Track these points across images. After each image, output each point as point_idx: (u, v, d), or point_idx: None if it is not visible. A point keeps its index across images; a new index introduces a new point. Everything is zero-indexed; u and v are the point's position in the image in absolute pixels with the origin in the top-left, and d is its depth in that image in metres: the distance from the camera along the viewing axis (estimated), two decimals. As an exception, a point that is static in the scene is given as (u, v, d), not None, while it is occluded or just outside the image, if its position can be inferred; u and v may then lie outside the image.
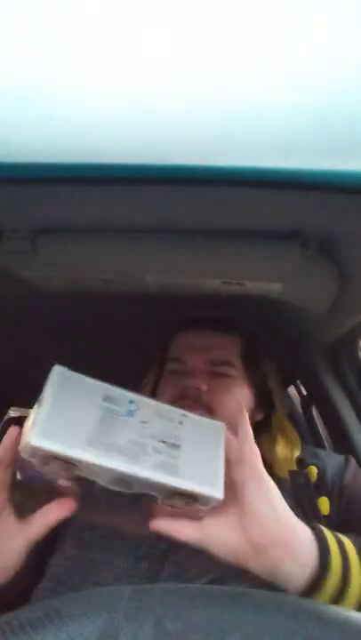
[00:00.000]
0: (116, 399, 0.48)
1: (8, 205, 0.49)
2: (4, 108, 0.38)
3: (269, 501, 0.45)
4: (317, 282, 0.60)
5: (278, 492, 0.46)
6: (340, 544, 0.46)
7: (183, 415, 0.51)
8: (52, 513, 0.47)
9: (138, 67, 0.38)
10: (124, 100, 0.38)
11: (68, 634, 0.24)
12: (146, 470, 0.44)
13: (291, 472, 0.64)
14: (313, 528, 0.46)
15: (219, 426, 0.51)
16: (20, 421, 0.46)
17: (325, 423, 1.14)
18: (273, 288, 0.62)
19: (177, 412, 0.51)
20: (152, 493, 0.45)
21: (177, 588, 0.33)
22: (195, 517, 0.46)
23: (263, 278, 0.60)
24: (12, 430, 0.47)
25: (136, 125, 0.38)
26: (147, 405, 0.49)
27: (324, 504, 0.62)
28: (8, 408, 1.76)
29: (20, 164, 0.39)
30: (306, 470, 0.64)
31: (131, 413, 0.48)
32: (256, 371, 0.73)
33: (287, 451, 0.68)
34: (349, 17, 0.38)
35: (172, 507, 0.46)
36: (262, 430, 0.73)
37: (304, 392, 1.25)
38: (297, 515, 0.59)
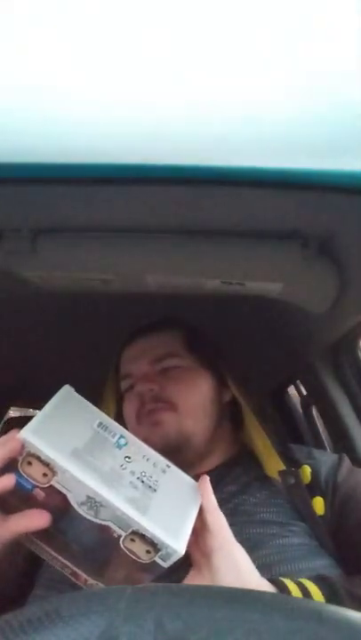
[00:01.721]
0: (109, 429, 0.51)
1: (8, 205, 0.49)
2: (5, 109, 0.38)
3: (235, 566, 0.47)
4: (317, 282, 0.60)
5: (244, 553, 0.48)
6: (306, 592, 0.47)
7: (168, 466, 0.52)
8: (25, 521, 0.47)
9: (138, 67, 0.38)
10: (123, 100, 0.38)
11: (68, 634, 0.24)
12: (118, 499, 0.45)
13: (280, 472, 0.64)
14: (276, 583, 0.48)
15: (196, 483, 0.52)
16: (20, 421, 0.47)
17: (325, 423, 1.15)
18: (273, 288, 0.62)
19: (163, 462, 0.52)
20: (115, 528, 0.45)
21: (177, 587, 0.33)
22: (151, 572, 0.46)
23: (263, 278, 0.60)
24: (14, 431, 0.47)
25: (136, 125, 0.38)
26: (136, 445, 0.52)
27: (318, 504, 0.62)
28: (8, 408, 1.76)
29: (20, 163, 0.39)
30: (297, 470, 0.64)
31: (119, 446, 0.51)
32: (207, 355, 0.73)
33: (263, 449, 0.68)
34: (349, 17, 0.38)
35: (130, 552, 0.45)
36: (235, 415, 0.73)
37: (304, 392, 1.25)
38: (292, 516, 0.60)
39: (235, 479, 0.65)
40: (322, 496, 0.62)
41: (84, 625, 0.24)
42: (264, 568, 0.49)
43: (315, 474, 0.64)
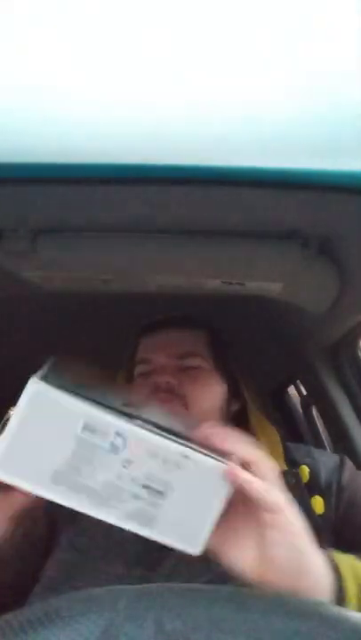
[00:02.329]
0: (99, 430, 0.40)
1: (8, 205, 0.49)
2: (5, 109, 0.38)
3: (293, 544, 0.40)
4: (317, 282, 0.60)
5: (300, 524, 0.41)
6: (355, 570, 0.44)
7: (185, 457, 0.40)
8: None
9: (138, 67, 0.38)
10: (123, 100, 0.38)
11: (68, 634, 0.24)
12: (115, 518, 0.39)
13: (281, 473, 0.64)
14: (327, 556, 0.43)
15: (225, 469, 0.41)
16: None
17: (325, 423, 1.15)
18: (273, 288, 0.62)
19: (176, 453, 0.40)
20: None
21: (177, 587, 0.33)
22: None
23: (263, 278, 0.60)
24: None
25: (136, 125, 0.38)
26: (139, 439, 0.40)
27: (318, 504, 0.61)
28: (8, 408, 1.76)
29: (20, 163, 0.39)
30: (296, 470, 0.64)
31: (115, 449, 0.40)
32: (225, 360, 0.73)
33: (270, 448, 0.68)
34: (349, 17, 0.38)
35: None
36: (241, 423, 0.73)
37: (304, 392, 1.25)
38: None
39: None
40: (321, 495, 0.62)
41: (84, 625, 0.24)
42: None
43: (313, 473, 0.64)
